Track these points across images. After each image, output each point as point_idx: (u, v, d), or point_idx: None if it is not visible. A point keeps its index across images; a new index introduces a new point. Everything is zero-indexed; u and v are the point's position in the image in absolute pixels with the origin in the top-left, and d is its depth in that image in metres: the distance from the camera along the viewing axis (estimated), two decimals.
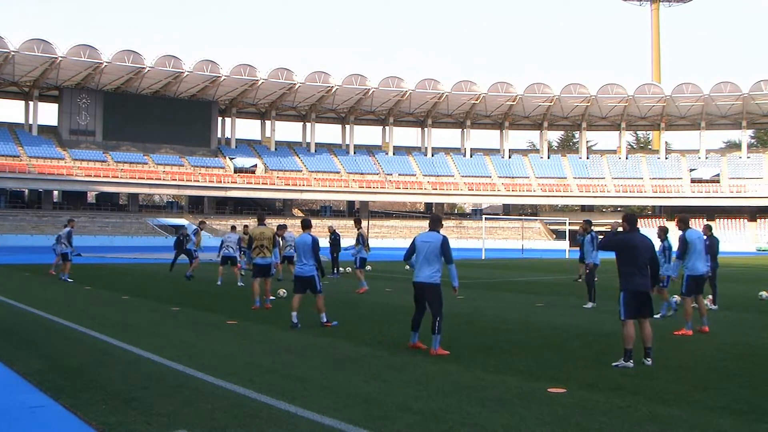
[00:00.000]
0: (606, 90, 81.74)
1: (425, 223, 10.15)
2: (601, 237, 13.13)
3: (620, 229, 8.72)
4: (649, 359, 8.03)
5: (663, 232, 12.76)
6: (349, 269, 25.51)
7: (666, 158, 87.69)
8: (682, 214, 11.43)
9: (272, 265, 14.05)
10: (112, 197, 77.04)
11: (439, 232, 8.89)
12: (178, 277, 21.07)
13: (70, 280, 19.90)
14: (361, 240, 18.69)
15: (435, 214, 9.91)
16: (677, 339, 9.56)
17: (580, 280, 22.60)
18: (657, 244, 12.27)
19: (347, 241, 28.21)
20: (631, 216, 8.50)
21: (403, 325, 9.65)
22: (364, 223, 20.73)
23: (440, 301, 8.65)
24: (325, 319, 10.92)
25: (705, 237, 14.50)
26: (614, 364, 7.86)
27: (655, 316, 11.74)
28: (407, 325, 9.51)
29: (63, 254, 20.79)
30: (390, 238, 72.83)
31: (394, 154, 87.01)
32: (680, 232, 11.05)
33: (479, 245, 52.80)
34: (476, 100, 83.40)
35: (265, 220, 14.99)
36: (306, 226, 11.41)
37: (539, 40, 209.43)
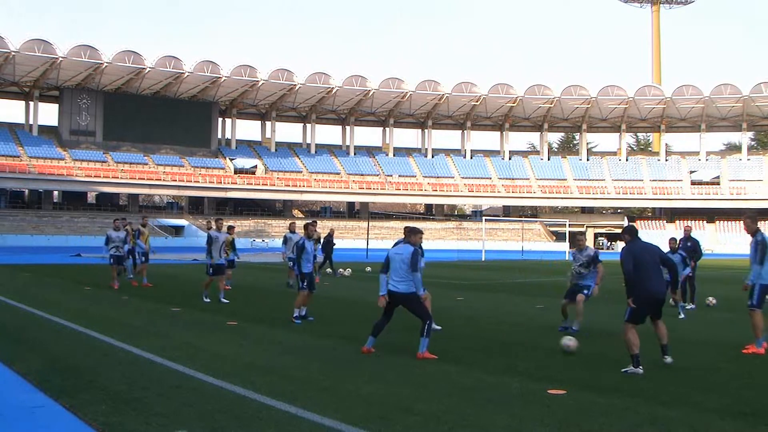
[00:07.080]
0: (606, 92, 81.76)
1: (425, 224, 10.11)
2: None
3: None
4: (668, 357, 7.88)
5: None
6: (349, 271, 25.55)
7: (666, 160, 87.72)
8: (751, 211, 10.32)
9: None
10: (112, 197, 77.05)
11: (410, 243, 8.70)
12: (178, 277, 21.03)
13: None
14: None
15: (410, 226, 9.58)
16: (677, 340, 9.51)
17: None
18: None
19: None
20: (631, 227, 8.33)
21: (403, 325, 9.63)
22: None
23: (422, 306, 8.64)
24: None
25: (685, 238, 14.63)
26: (623, 370, 7.61)
27: None
28: (407, 325, 9.51)
29: (119, 257, 18.52)
30: (390, 239, 72.62)
31: (394, 155, 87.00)
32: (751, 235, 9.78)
33: (479, 247, 52.80)
34: (476, 102, 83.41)
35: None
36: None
37: (539, 41, 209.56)
